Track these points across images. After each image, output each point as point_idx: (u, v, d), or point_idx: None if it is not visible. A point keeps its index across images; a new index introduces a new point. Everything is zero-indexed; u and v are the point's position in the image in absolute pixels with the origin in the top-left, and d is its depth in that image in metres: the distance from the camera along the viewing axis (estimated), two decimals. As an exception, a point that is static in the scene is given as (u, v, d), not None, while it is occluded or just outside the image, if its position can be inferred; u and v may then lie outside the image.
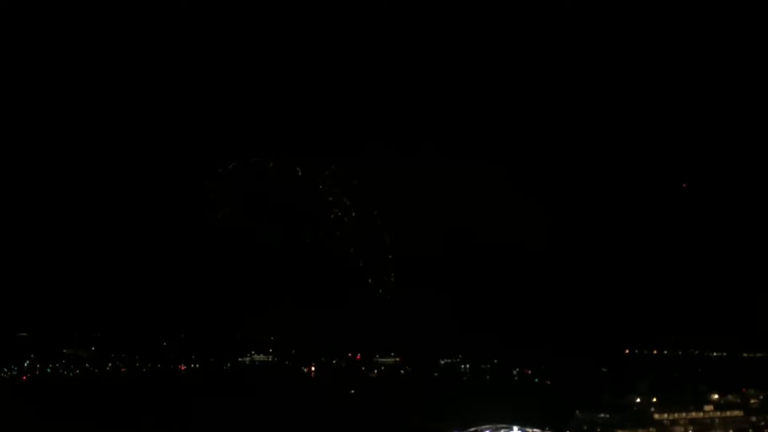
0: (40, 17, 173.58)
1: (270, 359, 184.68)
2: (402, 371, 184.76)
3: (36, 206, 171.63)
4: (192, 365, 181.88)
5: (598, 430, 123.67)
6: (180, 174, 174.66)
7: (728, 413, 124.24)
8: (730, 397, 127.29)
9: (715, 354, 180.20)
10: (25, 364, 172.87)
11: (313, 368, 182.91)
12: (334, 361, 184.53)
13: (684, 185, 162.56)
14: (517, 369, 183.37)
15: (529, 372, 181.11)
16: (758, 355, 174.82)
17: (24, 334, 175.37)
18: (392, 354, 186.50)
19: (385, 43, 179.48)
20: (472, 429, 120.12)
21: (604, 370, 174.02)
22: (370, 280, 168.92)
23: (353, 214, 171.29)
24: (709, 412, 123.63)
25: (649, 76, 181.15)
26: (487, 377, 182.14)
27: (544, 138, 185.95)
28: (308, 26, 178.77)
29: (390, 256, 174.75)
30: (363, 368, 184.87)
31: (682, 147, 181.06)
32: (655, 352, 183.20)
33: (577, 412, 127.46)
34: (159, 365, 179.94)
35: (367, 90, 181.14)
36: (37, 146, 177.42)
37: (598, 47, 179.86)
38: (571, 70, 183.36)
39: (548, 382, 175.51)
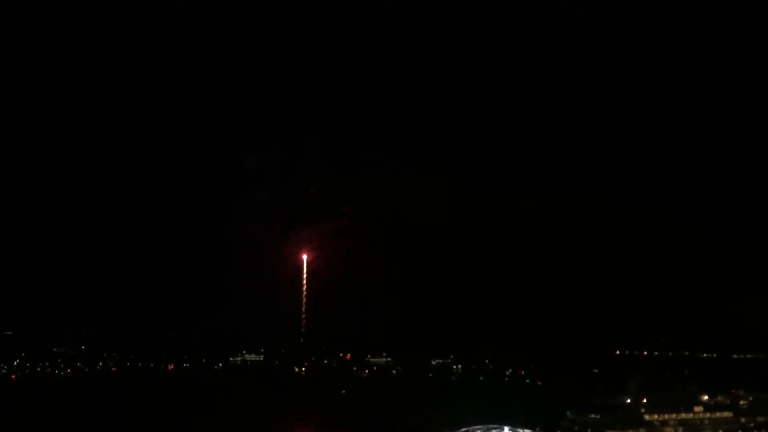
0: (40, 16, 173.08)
1: (261, 359, 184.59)
2: (394, 371, 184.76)
3: (23, 202, 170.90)
4: (184, 364, 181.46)
5: (589, 430, 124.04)
6: (170, 169, 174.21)
7: (718, 414, 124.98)
8: (719, 398, 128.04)
9: (705, 355, 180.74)
10: (15, 363, 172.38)
11: (304, 368, 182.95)
12: (325, 361, 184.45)
13: None
14: (510, 370, 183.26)
15: (522, 373, 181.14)
16: (748, 356, 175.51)
17: (9, 332, 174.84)
18: (384, 354, 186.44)
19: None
20: (464, 429, 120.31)
21: (596, 370, 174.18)
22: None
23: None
24: (698, 413, 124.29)
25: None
26: (481, 378, 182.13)
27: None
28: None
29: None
30: (354, 368, 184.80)
31: (672, 144, 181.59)
32: (645, 353, 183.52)
33: (568, 412, 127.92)
34: (152, 364, 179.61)
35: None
36: (29, 143, 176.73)
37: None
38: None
39: (539, 383, 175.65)
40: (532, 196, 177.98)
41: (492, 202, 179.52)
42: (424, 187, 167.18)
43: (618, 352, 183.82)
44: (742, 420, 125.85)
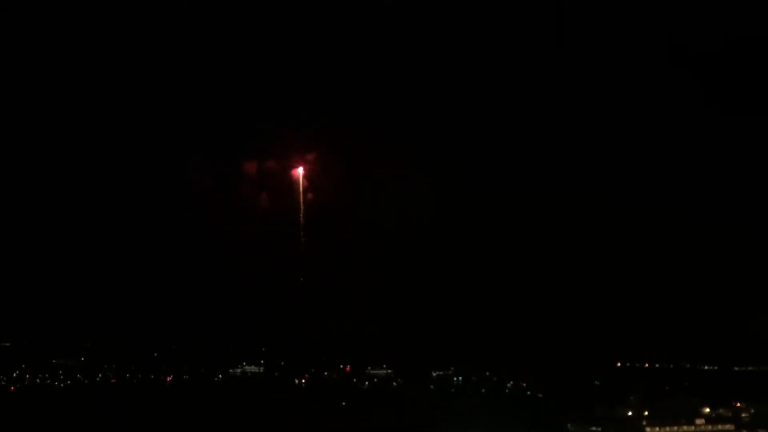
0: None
1: (261, 370, 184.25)
2: (395, 383, 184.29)
3: (19, 210, 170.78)
4: (184, 376, 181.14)
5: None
6: (169, 176, 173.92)
7: (719, 427, 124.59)
8: (721, 410, 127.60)
9: (706, 367, 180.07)
10: (15, 374, 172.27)
11: (304, 380, 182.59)
12: (325, 373, 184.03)
13: None
14: (511, 382, 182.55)
15: (524, 385, 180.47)
16: (749, 368, 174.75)
17: (7, 344, 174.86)
18: (384, 366, 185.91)
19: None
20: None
21: (597, 382, 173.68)
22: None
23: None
24: (700, 425, 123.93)
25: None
26: (482, 390, 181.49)
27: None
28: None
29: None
30: (354, 380, 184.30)
31: (672, 144, 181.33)
32: (646, 365, 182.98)
33: (569, 424, 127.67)
34: (152, 375, 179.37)
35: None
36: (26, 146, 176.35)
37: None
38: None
39: (540, 395, 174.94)
40: (532, 198, 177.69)
41: (492, 206, 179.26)
42: (420, 191, 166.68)
43: (619, 364, 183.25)
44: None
